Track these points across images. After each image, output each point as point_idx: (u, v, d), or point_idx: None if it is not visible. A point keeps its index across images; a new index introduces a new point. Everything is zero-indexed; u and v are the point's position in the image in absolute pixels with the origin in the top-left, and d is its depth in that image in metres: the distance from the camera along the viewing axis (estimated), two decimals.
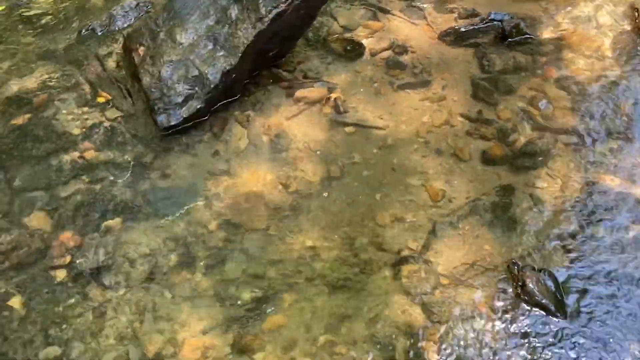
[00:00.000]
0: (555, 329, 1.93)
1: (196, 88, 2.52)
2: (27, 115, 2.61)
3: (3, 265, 2.12)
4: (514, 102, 2.63)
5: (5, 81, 2.78)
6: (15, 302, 2.04)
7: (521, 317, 1.94)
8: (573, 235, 2.19)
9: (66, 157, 2.47)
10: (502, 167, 2.40)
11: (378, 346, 1.91)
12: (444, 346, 1.90)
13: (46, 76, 2.79)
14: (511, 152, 2.45)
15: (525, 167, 2.40)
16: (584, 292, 2.02)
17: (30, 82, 2.77)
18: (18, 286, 2.09)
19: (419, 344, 1.91)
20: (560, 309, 1.94)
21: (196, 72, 2.53)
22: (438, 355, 1.88)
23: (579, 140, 2.50)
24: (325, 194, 2.36)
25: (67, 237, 2.21)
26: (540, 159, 2.42)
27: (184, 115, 2.51)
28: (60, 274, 2.12)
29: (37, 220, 2.26)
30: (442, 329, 1.94)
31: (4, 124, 2.58)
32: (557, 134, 2.52)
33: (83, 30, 3.01)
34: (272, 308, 2.03)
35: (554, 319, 1.94)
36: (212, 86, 2.52)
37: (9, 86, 2.75)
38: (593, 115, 2.59)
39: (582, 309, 1.98)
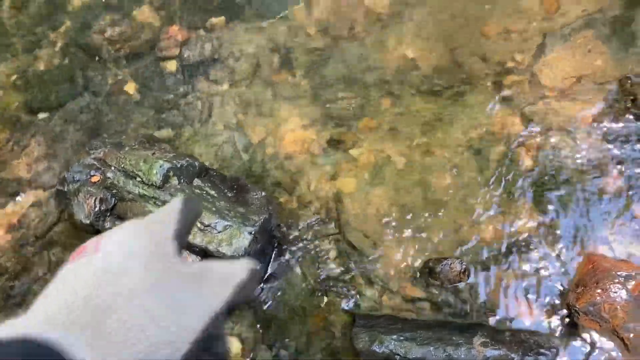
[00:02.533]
0: None
1: None
2: None
3: (118, 54, 2.25)
4: None
5: None
6: (130, 87, 2.19)
7: (626, 130, 1.88)
8: None
9: None
10: None
11: (473, 150, 1.94)
12: (541, 154, 1.90)
13: None
14: None
15: None
16: None
17: None
18: (131, 74, 2.22)
19: (515, 151, 1.91)
20: None
21: None
22: (534, 162, 1.88)
23: None
24: (429, 3, 2.27)
25: (175, 30, 2.28)
26: None
27: None
28: (170, 65, 2.22)
29: (146, 14, 2.33)
30: (542, 138, 1.92)
31: None
32: None
33: None
34: (369, 111, 2.07)
35: None
36: None
37: None
38: None
39: None
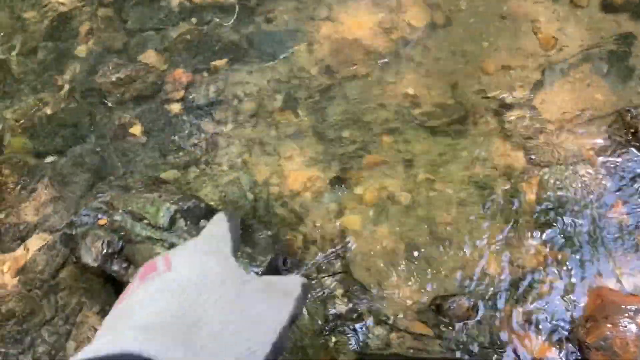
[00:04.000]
0: None
1: None
2: None
3: (124, 97, 2.29)
4: None
5: None
6: (136, 130, 2.22)
7: (629, 163, 1.90)
8: None
9: (175, 0, 2.54)
10: (624, 14, 2.22)
11: (476, 185, 1.95)
12: (543, 189, 1.91)
13: None
14: None
15: None
16: None
17: None
18: (137, 116, 2.26)
19: (518, 186, 1.93)
20: None
21: None
22: (537, 196, 1.90)
23: None
24: (428, 42, 2.32)
25: (180, 73, 2.33)
26: None
27: None
28: (175, 107, 2.26)
29: (151, 58, 2.38)
30: (543, 172, 1.93)
31: None
32: None
33: None
34: (372, 149, 2.10)
35: None
36: None
37: None
38: None
39: None
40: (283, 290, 0.52)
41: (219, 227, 0.57)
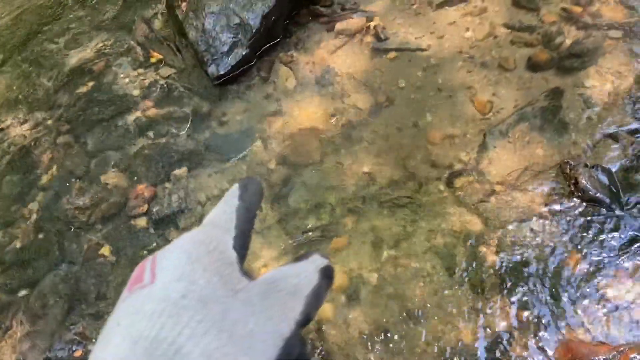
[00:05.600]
0: (612, 222, 1.95)
1: (239, 35, 2.62)
2: (90, 83, 2.80)
3: (90, 220, 2.35)
4: (557, 3, 2.57)
5: (66, 54, 2.97)
6: (105, 250, 2.27)
7: (576, 214, 1.98)
8: (628, 130, 2.17)
9: (130, 117, 2.65)
10: (549, 71, 2.37)
11: (439, 255, 2.01)
12: (502, 249, 1.97)
13: (101, 44, 2.96)
14: (557, 55, 2.41)
15: (573, 68, 2.37)
16: None
17: (88, 53, 2.96)
18: (105, 237, 2.31)
19: (478, 249, 1.99)
20: (616, 201, 1.96)
21: (237, 20, 2.62)
22: (497, 257, 1.96)
23: (629, 33, 2.43)
24: (375, 122, 2.44)
25: (142, 188, 2.40)
26: (588, 58, 2.38)
27: (232, 63, 2.62)
28: (141, 222, 2.32)
29: (113, 177, 2.46)
30: (500, 233, 2.00)
31: (70, 94, 2.79)
32: (606, 30, 2.45)
33: None
34: (336, 231, 2.16)
35: (611, 212, 1.96)
36: (253, 31, 2.60)
37: (70, 58, 2.94)
38: None
39: None
40: (290, 289, 0.44)
41: (225, 210, 0.48)
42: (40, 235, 2.36)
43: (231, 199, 0.49)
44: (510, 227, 2.01)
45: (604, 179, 1.98)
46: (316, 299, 0.45)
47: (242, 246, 0.47)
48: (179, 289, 0.41)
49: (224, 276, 0.44)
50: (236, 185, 0.50)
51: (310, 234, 2.18)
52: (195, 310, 0.40)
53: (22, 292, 2.22)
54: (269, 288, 0.44)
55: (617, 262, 1.87)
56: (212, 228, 0.47)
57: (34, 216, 2.43)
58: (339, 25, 2.73)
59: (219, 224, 0.47)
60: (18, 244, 2.35)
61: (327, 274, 0.46)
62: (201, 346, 0.39)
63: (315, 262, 0.47)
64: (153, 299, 0.41)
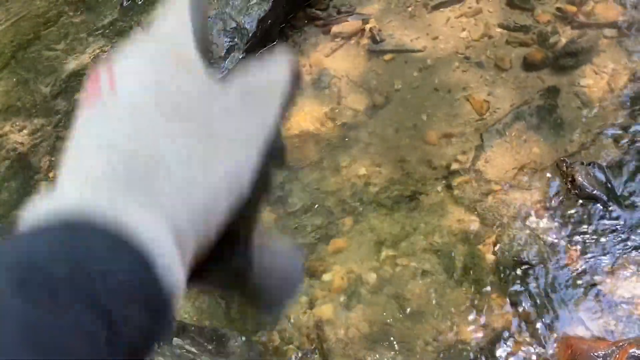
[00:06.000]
0: (609, 219, 1.97)
1: (236, 39, 2.63)
2: None
3: None
4: (552, 3, 2.59)
5: (64, 60, 2.98)
6: None
7: (573, 211, 1.99)
8: (624, 127, 2.18)
9: None
10: (545, 70, 2.39)
11: (437, 254, 2.02)
12: (500, 248, 1.98)
13: (99, 50, 2.97)
14: (552, 54, 2.43)
15: (569, 66, 2.38)
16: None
17: (86, 59, 2.97)
18: None
19: (476, 249, 2.00)
20: (613, 198, 1.97)
21: (234, 24, 2.63)
22: (495, 256, 1.97)
23: (625, 31, 2.45)
24: (372, 123, 2.45)
25: None
26: (583, 56, 2.39)
27: (229, 67, 2.63)
28: None
29: None
30: (497, 231, 2.01)
31: (68, 100, 2.80)
32: (601, 28, 2.47)
33: (124, 2, 3.15)
34: (334, 232, 2.17)
35: (608, 209, 1.97)
36: (250, 35, 2.61)
37: (68, 64, 2.95)
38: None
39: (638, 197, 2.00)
40: (263, 86, 0.41)
41: (174, 13, 0.42)
42: None
43: (177, 3, 0.43)
44: (507, 225, 2.02)
45: (601, 176, 1.99)
46: (290, 92, 0.42)
47: (203, 46, 0.42)
48: (149, 93, 0.37)
49: (194, 78, 0.39)
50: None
51: (308, 235, 2.19)
52: (170, 115, 0.37)
53: None
54: (246, 94, 0.40)
55: (615, 258, 1.88)
56: (167, 28, 0.42)
57: None
58: (335, 28, 2.74)
59: (172, 29, 0.42)
60: None
61: (295, 68, 0.43)
62: (180, 151, 0.36)
63: (282, 59, 0.43)
64: (116, 109, 0.37)
